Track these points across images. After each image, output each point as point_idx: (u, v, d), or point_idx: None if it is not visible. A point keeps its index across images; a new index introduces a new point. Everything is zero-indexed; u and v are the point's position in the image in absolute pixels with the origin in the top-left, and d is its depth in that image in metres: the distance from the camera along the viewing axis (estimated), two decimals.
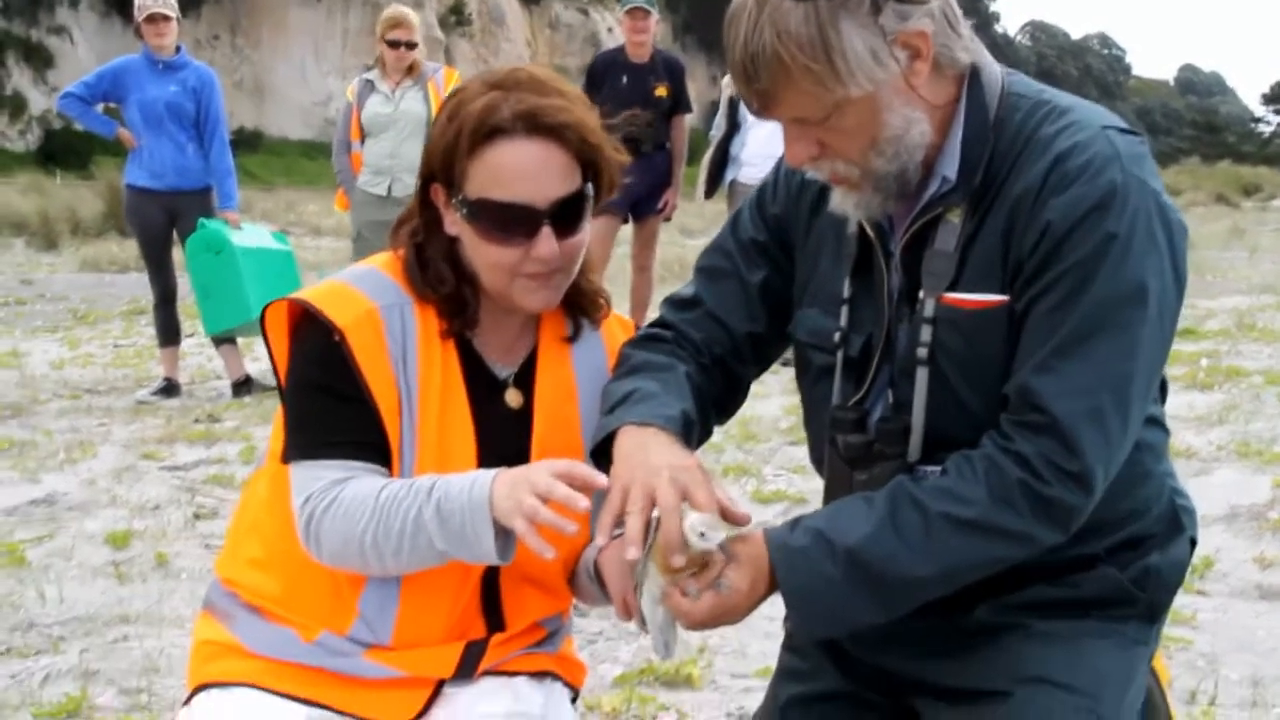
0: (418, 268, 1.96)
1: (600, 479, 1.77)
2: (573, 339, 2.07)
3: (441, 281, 1.95)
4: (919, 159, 1.79)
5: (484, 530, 1.79)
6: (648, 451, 1.81)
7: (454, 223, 1.94)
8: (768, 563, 1.79)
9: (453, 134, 1.88)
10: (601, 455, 1.89)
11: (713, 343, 2.05)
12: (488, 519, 1.78)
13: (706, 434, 2.05)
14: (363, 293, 1.93)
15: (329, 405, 1.90)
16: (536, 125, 1.86)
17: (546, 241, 1.89)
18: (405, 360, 1.92)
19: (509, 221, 1.88)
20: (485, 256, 1.92)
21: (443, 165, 1.91)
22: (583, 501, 1.73)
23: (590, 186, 1.94)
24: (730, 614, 1.79)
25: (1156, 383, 1.83)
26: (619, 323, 2.16)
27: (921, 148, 1.79)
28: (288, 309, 1.94)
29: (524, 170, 1.87)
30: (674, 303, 2.12)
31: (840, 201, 1.85)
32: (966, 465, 1.76)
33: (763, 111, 1.77)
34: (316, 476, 1.89)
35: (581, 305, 2.07)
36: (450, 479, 1.84)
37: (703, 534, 1.72)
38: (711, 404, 2.04)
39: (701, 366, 2.03)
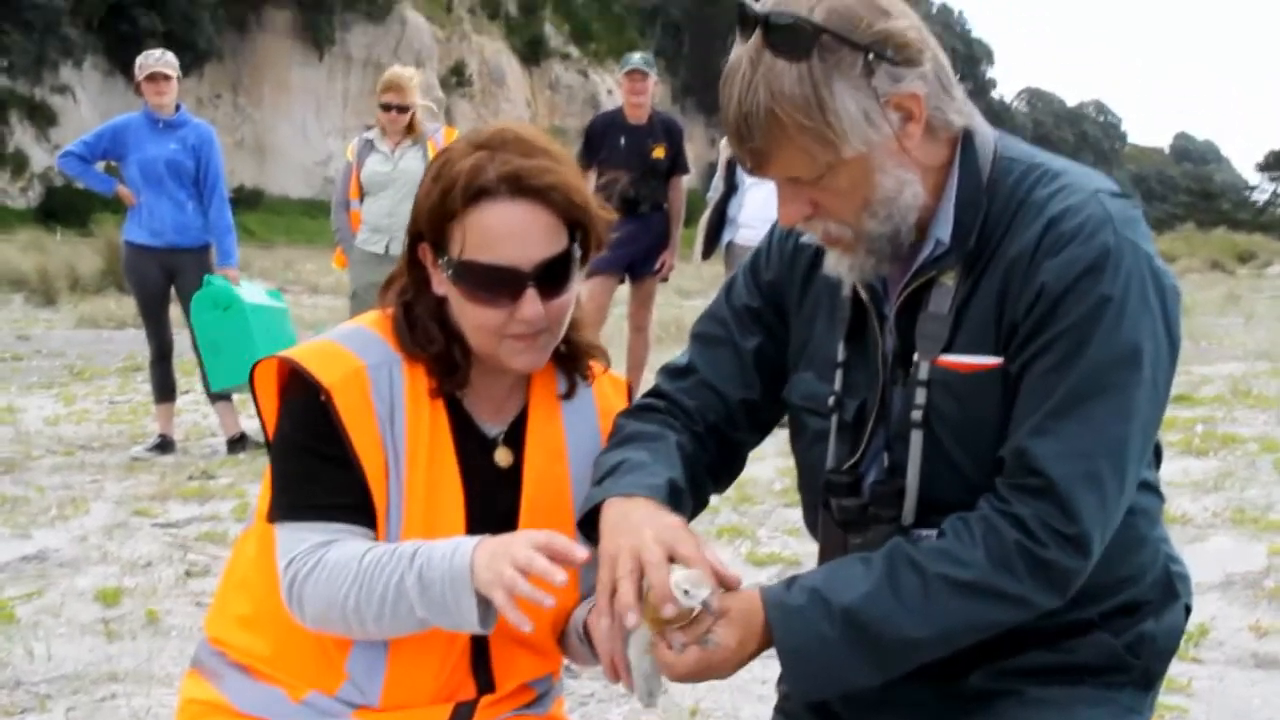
0: (406, 326, 1.95)
1: (579, 552, 1.76)
2: (565, 397, 2.07)
3: (430, 341, 1.94)
4: (912, 221, 1.80)
5: (465, 599, 1.77)
6: (630, 519, 1.80)
7: (441, 283, 1.93)
8: (760, 621, 1.77)
9: (438, 195, 1.88)
10: (590, 526, 1.88)
11: (707, 410, 2.04)
12: (469, 588, 1.77)
13: (701, 503, 2.04)
14: (350, 351, 1.92)
15: (314, 466, 1.89)
16: (521, 187, 1.85)
17: (531, 303, 1.88)
18: (393, 419, 1.91)
19: (494, 283, 1.87)
20: (471, 318, 1.91)
21: (429, 226, 1.90)
22: (560, 575, 1.71)
23: (577, 247, 1.93)
24: (715, 670, 1.77)
25: (1151, 446, 1.83)
26: (611, 382, 2.15)
27: (914, 209, 1.79)
28: (277, 368, 1.94)
29: (509, 232, 1.86)
30: (669, 371, 2.11)
31: (835, 264, 1.85)
32: (964, 527, 1.75)
33: (756, 170, 1.78)
34: (301, 539, 1.88)
35: (574, 362, 2.07)
36: (433, 546, 1.82)
37: (686, 591, 1.70)
38: (706, 472, 2.03)
39: (695, 435, 2.02)
